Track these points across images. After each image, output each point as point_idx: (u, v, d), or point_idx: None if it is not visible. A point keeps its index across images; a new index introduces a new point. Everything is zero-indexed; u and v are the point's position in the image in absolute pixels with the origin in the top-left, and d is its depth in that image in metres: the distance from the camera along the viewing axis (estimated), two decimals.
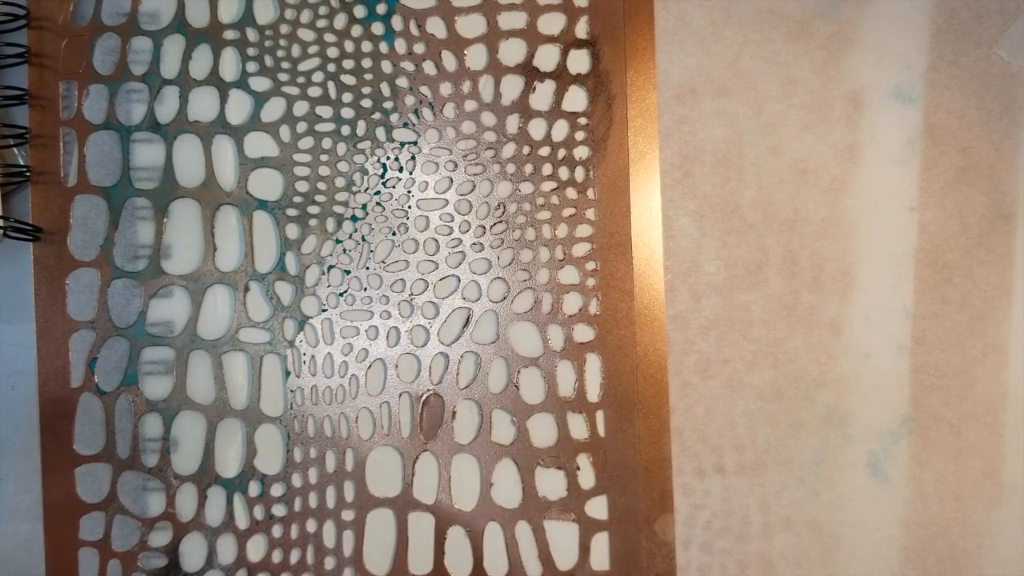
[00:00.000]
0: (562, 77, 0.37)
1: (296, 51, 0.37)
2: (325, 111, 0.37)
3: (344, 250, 0.37)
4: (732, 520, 0.38)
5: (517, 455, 0.37)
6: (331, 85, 0.37)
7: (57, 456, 0.36)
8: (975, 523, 0.38)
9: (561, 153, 0.37)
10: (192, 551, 0.37)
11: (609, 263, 0.37)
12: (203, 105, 0.37)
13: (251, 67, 0.37)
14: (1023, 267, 0.38)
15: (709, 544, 0.38)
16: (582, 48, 0.37)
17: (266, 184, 0.37)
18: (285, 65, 0.37)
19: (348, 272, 0.37)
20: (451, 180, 0.37)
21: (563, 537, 0.37)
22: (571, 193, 0.37)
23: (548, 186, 0.37)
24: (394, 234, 0.37)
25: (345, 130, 0.37)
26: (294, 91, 0.37)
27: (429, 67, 0.37)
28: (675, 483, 0.37)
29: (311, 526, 0.37)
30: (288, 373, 0.37)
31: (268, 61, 0.37)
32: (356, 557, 0.37)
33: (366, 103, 0.37)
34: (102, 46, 0.37)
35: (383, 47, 0.37)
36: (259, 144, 0.37)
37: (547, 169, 0.37)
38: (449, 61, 0.37)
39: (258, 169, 0.37)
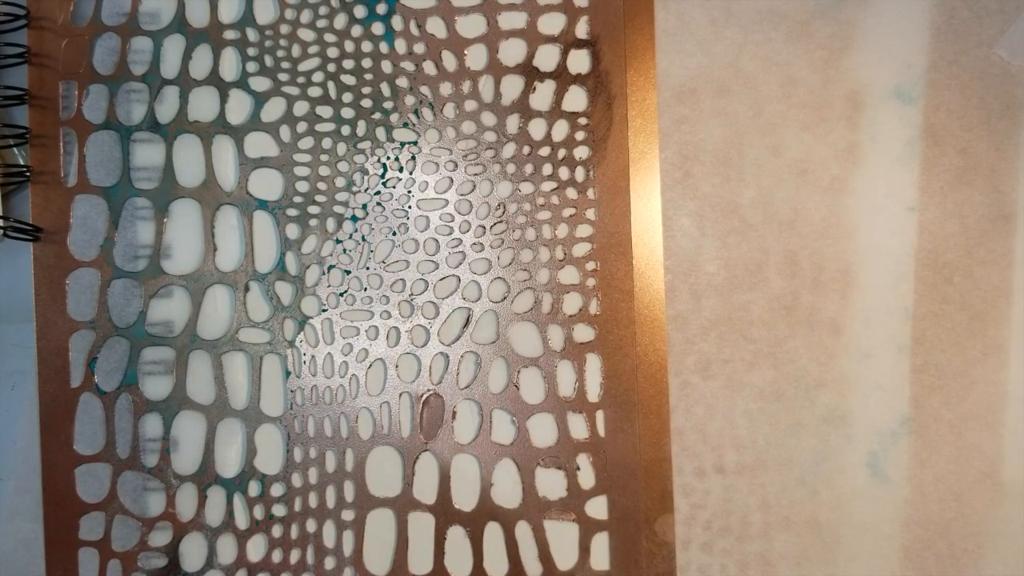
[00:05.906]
0: (562, 77, 0.37)
1: (296, 51, 0.37)
2: (325, 111, 0.37)
3: (344, 250, 0.37)
4: (732, 520, 0.38)
5: (517, 455, 0.37)
6: (331, 85, 0.37)
7: (57, 456, 0.36)
8: (975, 523, 0.38)
9: (561, 153, 0.37)
10: (192, 551, 0.37)
11: (609, 263, 0.37)
12: (203, 105, 0.37)
13: (251, 67, 0.37)
14: (1023, 267, 0.38)
15: (709, 544, 0.38)
16: (582, 48, 0.37)
17: (266, 184, 0.37)
18: (285, 65, 0.37)
19: (348, 272, 0.37)
20: (451, 180, 0.37)
21: (563, 537, 0.37)
22: (571, 193, 0.37)
23: (548, 186, 0.37)
24: (394, 234, 0.37)
25: (345, 130, 0.37)
26: (294, 91, 0.37)
27: (429, 67, 0.37)
28: (675, 483, 0.37)
29: (311, 526, 0.37)
30: (288, 373, 0.37)
31: (268, 61, 0.37)
32: (356, 557, 0.37)
33: (366, 103, 0.37)
34: (102, 46, 0.37)
35: (383, 47, 0.37)
36: (259, 144, 0.37)
37: (547, 169, 0.37)
38: (449, 61, 0.37)
39: (258, 169, 0.37)
